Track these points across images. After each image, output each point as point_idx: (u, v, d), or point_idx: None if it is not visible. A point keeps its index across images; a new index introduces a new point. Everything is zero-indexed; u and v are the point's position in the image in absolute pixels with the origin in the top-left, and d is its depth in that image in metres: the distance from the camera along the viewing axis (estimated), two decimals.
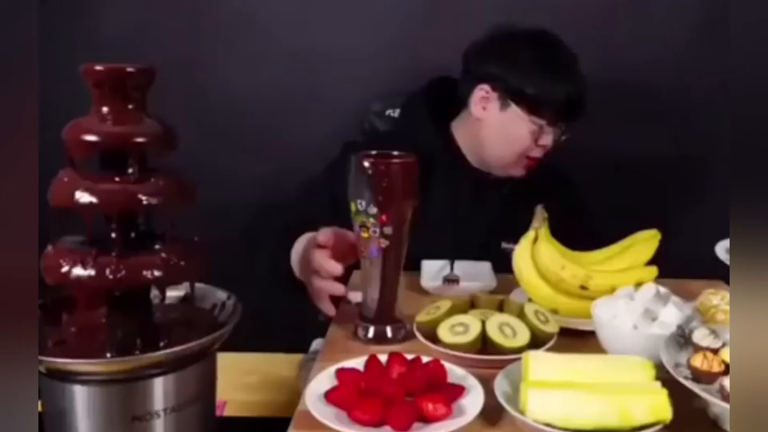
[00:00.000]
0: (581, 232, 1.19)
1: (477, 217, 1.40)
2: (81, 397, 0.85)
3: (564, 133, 1.36)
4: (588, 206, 1.51)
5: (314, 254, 1.03)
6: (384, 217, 0.94)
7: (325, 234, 1.02)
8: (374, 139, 1.57)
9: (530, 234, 1.07)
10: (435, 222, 1.22)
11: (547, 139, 1.34)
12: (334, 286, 1.03)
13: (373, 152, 0.96)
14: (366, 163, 0.93)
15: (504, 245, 1.28)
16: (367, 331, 0.99)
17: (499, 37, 1.37)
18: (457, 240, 1.30)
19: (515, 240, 1.10)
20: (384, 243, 0.95)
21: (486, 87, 1.35)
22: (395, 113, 1.60)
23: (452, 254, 1.25)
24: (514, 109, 1.33)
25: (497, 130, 1.36)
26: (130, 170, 0.85)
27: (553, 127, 1.34)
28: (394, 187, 0.94)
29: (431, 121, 1.43)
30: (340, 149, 1.42)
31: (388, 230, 0.94)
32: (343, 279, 1.20)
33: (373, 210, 0.93)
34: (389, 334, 0.99)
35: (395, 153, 0.97)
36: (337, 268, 1.00)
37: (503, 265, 1.18)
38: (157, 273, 0.85)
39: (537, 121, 1.32)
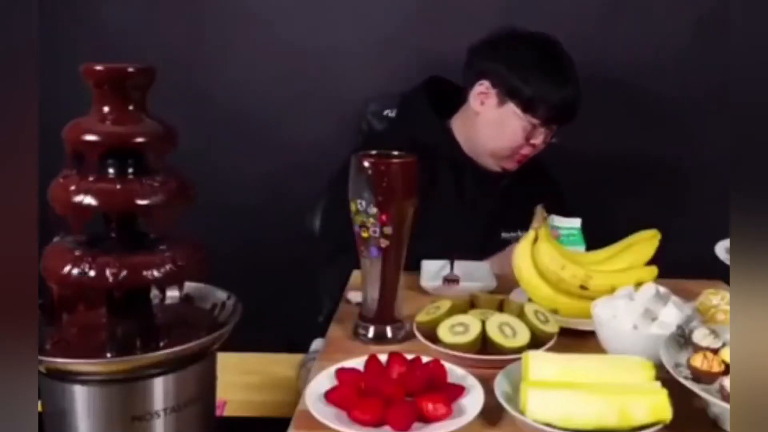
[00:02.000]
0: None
1: (479, 208, 1.45)
2: (81, 397, 0.85)
3: (555, 135, 1.42)
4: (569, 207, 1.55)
5: None
6: (384, 217, 0.94)
7: None
8: (372, 140, 1.58)
9: (530, 234, 1.07)
10: (438, 213, 1.26)
11: (539, 138, 1.40)
12: None
13: (373, 152, 0.96)
14: (366, 163, 0.93)
15: (504, 235, 1.39)
16: (367, 331, 0.99)
17: (504, 37, 1.41)
18: (460, 231, 1.33)
19: (514, 230, 1.16)
20: (384, 243, 0.95)
21: (486, 83, 1.40)
22: (392, 113, 1.62)
23: (454, 244, 1.26)
24: (511, 107, 1.38)
25: (492, 124, 1.41)
26: (130, 170, 0.85)
27: (545, 127, 1.38)
28: (394, 187, 0.94)
29: (431, 115, 1.46)
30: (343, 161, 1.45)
31: (388, 230, 0.94)
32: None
33: (373, 210, 0.93)
34: (389, 334, 0.99)
35: (395, 153, 0.97)
36: None
37: None
38: (157, 273, 0.85)
39: (531, 120, 1.37)
